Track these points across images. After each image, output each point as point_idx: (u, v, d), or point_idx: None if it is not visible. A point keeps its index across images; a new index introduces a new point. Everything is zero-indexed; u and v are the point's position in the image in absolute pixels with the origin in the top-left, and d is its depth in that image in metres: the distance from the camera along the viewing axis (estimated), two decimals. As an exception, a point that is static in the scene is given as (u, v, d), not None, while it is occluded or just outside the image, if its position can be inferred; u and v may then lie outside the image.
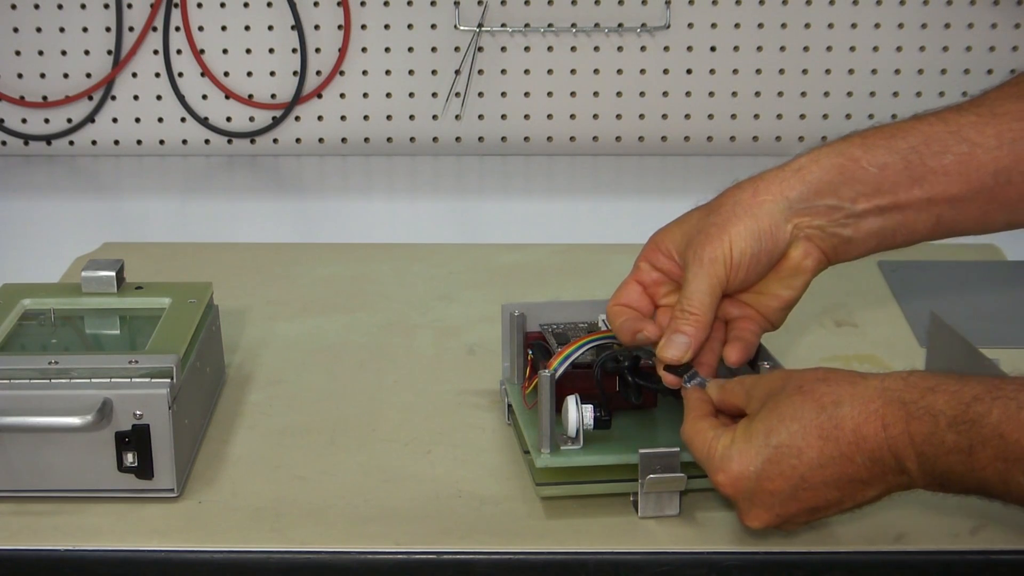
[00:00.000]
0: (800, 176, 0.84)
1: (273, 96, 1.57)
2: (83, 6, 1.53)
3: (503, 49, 1.55)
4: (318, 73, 1.56)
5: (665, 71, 1.55)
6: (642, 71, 1.55)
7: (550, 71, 1.56)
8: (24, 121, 1.58)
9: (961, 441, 0.71)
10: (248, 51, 1.55)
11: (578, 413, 0.84)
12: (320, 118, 1.58)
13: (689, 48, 1.55)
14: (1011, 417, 0.70)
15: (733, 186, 0.86)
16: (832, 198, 0.83)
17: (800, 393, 0.77)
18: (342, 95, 1.57)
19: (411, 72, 1.56)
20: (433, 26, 1.54)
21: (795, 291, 0.86)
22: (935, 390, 0.73)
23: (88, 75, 1.56)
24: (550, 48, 1.55)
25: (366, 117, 1.58)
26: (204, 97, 1.57)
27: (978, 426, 0.71)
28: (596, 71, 1.56)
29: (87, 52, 1.55)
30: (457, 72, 1.55)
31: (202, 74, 1.56)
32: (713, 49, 1.55)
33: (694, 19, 1.53)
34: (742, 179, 0.86)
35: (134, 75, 1.56)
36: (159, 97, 1.57)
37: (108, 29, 1.54)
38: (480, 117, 1.57)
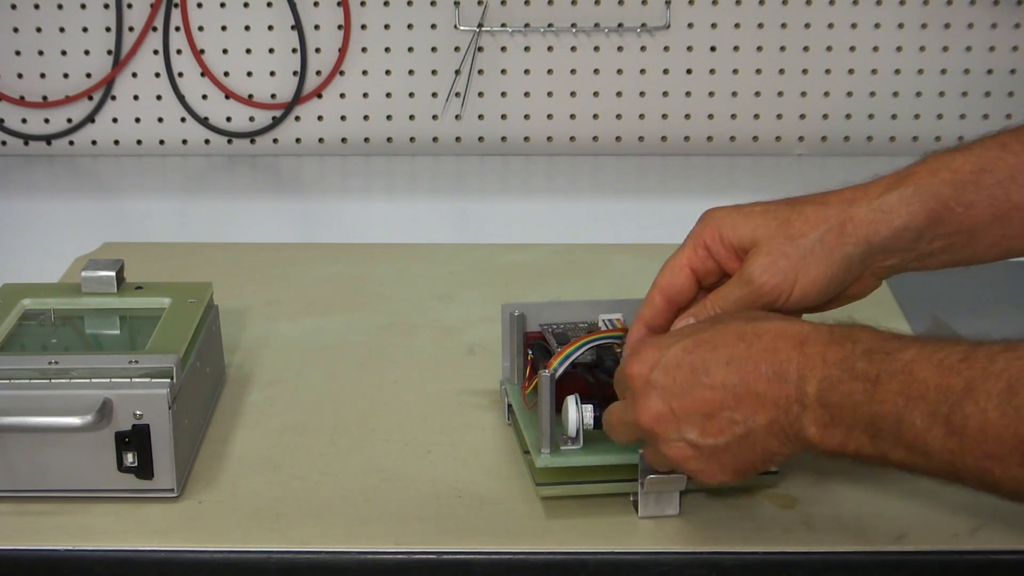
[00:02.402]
0: (887, 221, 0.81)
1: (273, 96, 1.57)
2: (83, 6, 1.53)
3: (503, 49, 1.55)
4: (318, 73, 1.56)
5: (665, 71, 1.55)
6: (642, 71, 1.55)
7: (550, 71, 1.56)
8: (24, 121, 1.58)
9: (871, 369, 0.70)
10: (248, 51, 1.55)
11: (578, 413, 0.84)
12: (320, 118, 1.58)
13: (689, 48, 1.55)
14: (924, 356, 0.69)
15: (818, 207, 0.82)
16: (913, 243, 0.82)
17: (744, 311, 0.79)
18: (342, 95, 1.57)
19: (411, 72, 1.56)
20: (433, 26, 1.54)
21: (839, 306, 0.86)
22: (863, 327, 0.73)
23: (88, 75, 1.56)
24: (550, 48, 1.55)
25: (366, 117, 1.58)
26: (204, 97, 1.57)
27: (891, 358, 0.70)
28: (596, 71, 1.56)
29: (87, 52, 1.55)
30: (457, 72, 1.55)
31: (202, 74, 1.56)
32: (713, 49, 1.55)
33: (694, 19, 1.53)
34: (831, 192, 0.83)
35: (134, 75, 1.56)
36: (159, 97, 1.57)
37: (108, 29, 1.54)
38: (480, 117, 1.57)
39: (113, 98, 1.57)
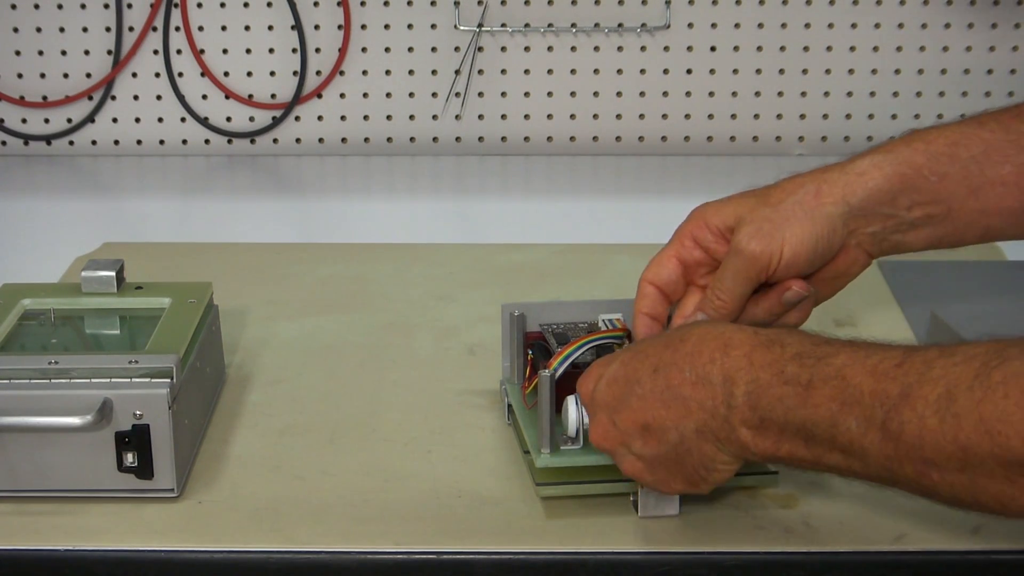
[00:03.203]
0: (862, 181, 0.83)
1: (273, 96, 1.57)
2: (83, 6, 1.53)
3: (503, 49, 1.55)
4: (318, 73, 1.56)
5: (665, 71, 1.55)
6: (642, 71, 1.55)
7: (550, 71, 1.56)
8: (24, 121, 1.58)
9: (802, 374, 0.71)
10: (248, 51, 1.55)
11: (578, 413, 0.84)
12: (320, 118, 1.58)
13: (689, 48, 1.55)
14: (857, 362, 0.69)
15: (792, 179, 0.85)
16: (889, 207, 0.83)
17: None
18: (342, 95, 1.57)
19: (411, 72, 1.56)
20: (433, 26, 1.54)
21: (833, 291, 0.87)
22: (791, 332, 0.74)
23: (88, 75, 1.56)
24: (550, 48, 1.55)
25: (366, 117, 1.58)
26: (204, 97, 1.57)
27: (823, 363, 0.70)
28: (596, 71, 1.56)
29: (87, 52, 1.55)
30: (457, 72, 1.55)
31: (202, 74, 1.56)
32: (713, 49, 1.55)
33: (694, 19, 1.53)
34: (801, 173, 0.85)
35: (134, 75, 1.56)
36: (159, 97, 1.57)
37: (108, 29, 1.54)
38: (480, 117, 1.57)
39: (113, 98, 1.57)
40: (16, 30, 1.55)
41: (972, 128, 0.83)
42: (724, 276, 0.83)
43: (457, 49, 1.54)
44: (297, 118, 1.58)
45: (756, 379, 0.72)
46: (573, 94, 1.56)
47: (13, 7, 1.54)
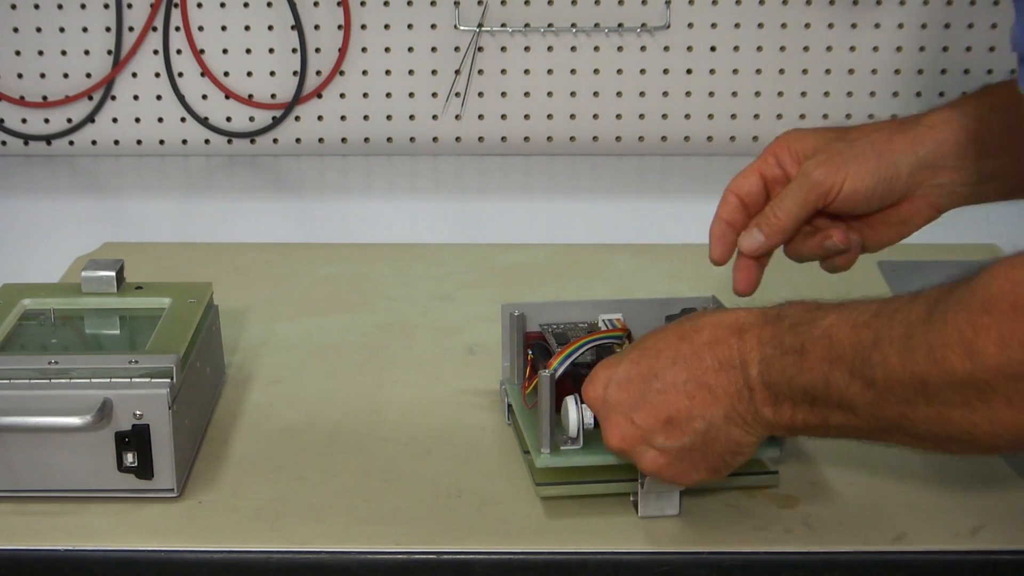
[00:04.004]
0: (932, 134, 0.86)
1: (273, 96, 1.57)
2: (83, 6, 1.53)
3: (503, 49, 1.55)
4: (318, 73, 1.56)
5: (665, 71, 1.55)
6: (642, 71, 1.55)
7: (550, 71, 1.56)
8: (24, 121, 1.58)
9: (796, 341, 0.72)
10: (248, 51, 1.55)
11: (578, 413, 0.84)
12: (320, 118, 1.58)
13: (689, 48, 1.55)
14: (843, 320, 0.71)
15: (872, 123, 0.89)
16: (957, 159, 0.86)
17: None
18: (342, 95, 1.57)
19: (411, 72, 1.56)
20: (433, 26, 1.54)
21: (898, 236, 0.90)
22: (792, 304, 0.76)
23: (88, 75, 1.56)
24: (550, 48, 1.55)
25: (366, 117, 1.58)
26: (204, 97, 1.57)
27: (812, 327, 0.72)
28: (596, 71, 1.56)
29: (87, 52, 1.55)
30: (457, 72, 1.55)
31: (202, 74, 1.56)
32: (713, 49, 1.55)
33: (694, 19, 1.53)
34: (880, 120, 0.89)
35: (134, 75, 1.56)
36: (159, 97, 1.57)
37: (108, 29, 1.54)
38: (480, 117, 1.57)
39: (113, 98, 1.57)
40: (16, 30, 1.55)
41: None
42: (786, 196, 0.87)
43: (457, 49, 1.55)
44: (297, 118, 1.58)
45: (764, 356, 0.74)
46: (573, 94, 1.56)
47: (13, 7, 1.54)
